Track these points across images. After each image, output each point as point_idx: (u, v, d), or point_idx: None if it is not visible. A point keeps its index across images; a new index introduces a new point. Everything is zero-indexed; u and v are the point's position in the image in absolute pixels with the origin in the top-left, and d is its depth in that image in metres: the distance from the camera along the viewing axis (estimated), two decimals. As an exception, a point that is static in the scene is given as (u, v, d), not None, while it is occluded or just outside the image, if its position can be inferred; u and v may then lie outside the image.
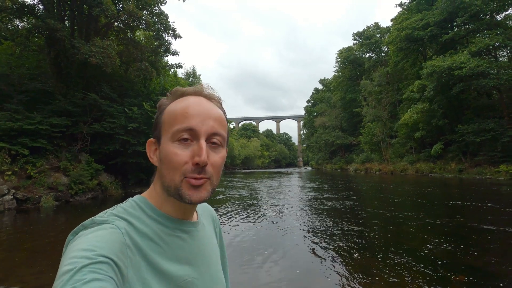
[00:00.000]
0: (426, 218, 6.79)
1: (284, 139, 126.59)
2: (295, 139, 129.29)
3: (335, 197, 11.13)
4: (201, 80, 44.87)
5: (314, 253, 4.54)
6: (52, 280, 0.43)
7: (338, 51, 50.28)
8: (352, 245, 4.89)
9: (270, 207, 8.98)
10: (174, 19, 18.21)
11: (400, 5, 32.49)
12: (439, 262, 3.95)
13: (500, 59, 23.38)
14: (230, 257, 4.38)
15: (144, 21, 13.72)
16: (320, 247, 4.84)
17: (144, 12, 13.90)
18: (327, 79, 64.18)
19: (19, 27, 12.76)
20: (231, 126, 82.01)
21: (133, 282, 0.50)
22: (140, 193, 0.63)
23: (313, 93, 72.20)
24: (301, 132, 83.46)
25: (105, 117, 12.74)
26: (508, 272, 3.60)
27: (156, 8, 14.87)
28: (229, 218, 7.26)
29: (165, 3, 15.10)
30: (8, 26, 12.75)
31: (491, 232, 5.42)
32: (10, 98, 10.93)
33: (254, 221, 6.90)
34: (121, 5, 13.38)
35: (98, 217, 0.54)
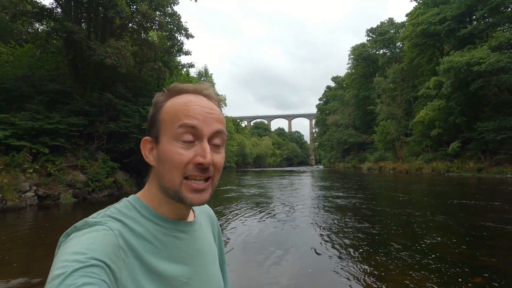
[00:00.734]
0: (442, 218, 6.63)
1: (296, 137, 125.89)
2: (307, 138, 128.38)
3: (348, 195, 11.00)
4: (213, 79, 45.19)
5: (326, 252, 4.52)
6: None
7: (351, 47, 49.55)
8: (365, 244, 4.84)
9: (281, 205, 8.98)
10: (186, 19, 18.38)
11: (416, -1, 31.61)
12: (456, 263, 3.86)
13: (523, 53, 22.38)
14: (240, 254, 4.43)
15: (157, 22, 13.94)
16: (333, 246, 4.81)
17: (157, 12, 14.11)
18: (340, 76, 63.35)
19: (39, 30, 13.24)
20: (243, 125, 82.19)
21: (127, 285, 0.48)
22: None
23: (325, 91, 71.46)
24: (313, 130, 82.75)
25: (120, 117, 13.05)
26: (529, 275, 3.48)
27: (169, 8, 15.05)
28: (240, 216, 7.32)
29: (178, 4, 15.27)
30: (29, 30, 13.26)
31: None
32: (31, 98, 11.36)
33: (265, 219, 6.93)
34: (135, 7, 13.63)
35: (90, 218, 0.53)
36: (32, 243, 5.35)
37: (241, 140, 58.72)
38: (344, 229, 5.86)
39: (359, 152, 48.30)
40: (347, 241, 5.05)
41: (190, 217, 0.68)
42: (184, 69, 20.83)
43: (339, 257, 4.25)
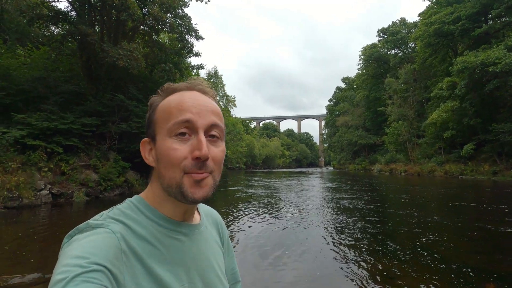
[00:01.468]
0: (455, 222, 6.48)
1: (305, 138, 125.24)
2: (316, 139, 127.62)
3: (357, 198, 10.88)
4: (222, 80, 45.40)
5: (335, 255, 4.49)
6: None
7: (362, 48, 48.96)
8: (376, 247, 4.78)
9: (289, 206, 8.96)
10: (196, 21, 18.55)
11: (429, -2, 31.03)
12: (469, 269, 3.77)
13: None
14: (246, 256, 4.44)
15: (168, 24, 14.16)
16: (342, 249, 4.77)
17: (168, 15, 14.32)
18: (350, 77, 62.68)
19: (54, 33, 13.65)
20: (252, 126, 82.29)
21: None
22: None
23: (335, 92, 70.84)
24: (323, 131, 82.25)
25: (132, 117, 13.29)
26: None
27: (180, 11, 15.25)
28: (248, 216, 7.33)
29: (188, 6, 15.47)
30: (45, 33, 13.68)
31: (528, 239, 5.08)
32: (47, 99, 11.70)
33: (273, 220, 6.93)
34: (146, 9, 13.88)
35: (93, 221, 0.52)
36: (47, 239, 5.51)
37: (250, 141, 58.83)
38: (354, 233, 5.80)
39: (369, 153, 47.63)
40: (356, 243, 5.00)
41: (195, 220, 0.66)
42: (194, 71, 21.04)
43: (349, 261, 4.21)
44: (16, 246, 4.90)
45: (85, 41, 11.73)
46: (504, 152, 20.73)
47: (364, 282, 3.44)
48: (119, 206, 0.58)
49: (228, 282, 0.76)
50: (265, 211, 8.19)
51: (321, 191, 14.09)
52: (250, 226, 6.30)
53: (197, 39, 16.30)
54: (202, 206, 0.75)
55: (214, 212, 0.80)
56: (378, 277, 3.55)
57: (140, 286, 0.49)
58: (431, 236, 5.43)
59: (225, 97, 46.39)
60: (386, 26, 45.46)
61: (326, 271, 3.84)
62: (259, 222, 6.71)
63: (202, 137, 0.54)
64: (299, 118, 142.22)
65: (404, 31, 42.19)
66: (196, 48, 22.43)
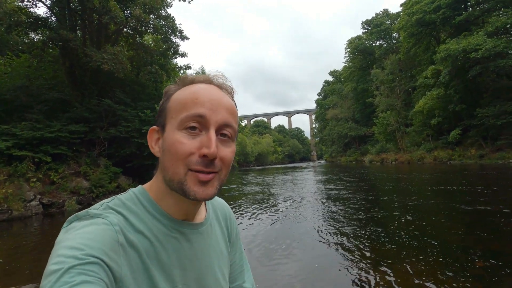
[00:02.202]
0: (445, 205, 6.66)
1: (297, 133, 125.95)
2: (307, 133, 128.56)
3: (349, 188, 11.04)
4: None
5: (331, 245, 4.57)
6: None
7: (347, 41, 49.45)
8: (369, 233, 4.88)
9: (285, 201, 9.03)
10: (180, 21, 18.39)
11: (410, -11, 31.49)
12: (460, 249, 3.90)
13: (519, 37, 22.30)
14: (246, 251, 4.47)
15: (151, 25, 13.98)
16: (339, 240, 4.85)
17: (151, 16, 14.14)
18: (337, 70, 63.26)
19: (34, 39, 13.29)
20: (243, 124, 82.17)
21: (127, 282, 0.47)
22: None
23: (323, 86, 71.42)
24: (313, 125, 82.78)
25: (120, 122, 13.11)
26: (531, 256, 3.51)
27: (163, 11, 15.08)
28: (244, 212, 7.37)
29: (171, 6, 15.31)
30: (24, 40, 13.31)
31: (514, 217, 5.27)
32: (31, 108, 11.42)
33: (269, 214, 6.97)
34: (128, 11, 13.67)
35: (93, 209, 0.51)
36: (41, 249, 5.41)
37: (242, 139, 58.78)
38: (350, 222, 5.90)
39: (360, 145, 48.32)
40: (353, 234, 5.09)
41: (200, 218, 0.64)
42: (181, 71, 20.86)
43: (345, 248, 4.29)
44: (10, 258, 4.80)
45: (67, 46, 11.48)
46: (489, 136, 21.35)
47: (360, 268, 3.52)
48: (121, 196, 0.56)
49: (235, 280, 0.75)
50: (260, 206, 8.23)
51: (314, 184, 14.23)
52: (245, 221, 6.33)
53: (182, 39, 16.17)
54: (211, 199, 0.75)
55: (224, 204, 0.78)
56: (373, 261, 3.64)
57: (138, 281, 0.48)
58: (422, 220, 5.57)
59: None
60: (370, 18, 45.97)
61: (323, 262, 3.91)
62: (254, 218, 6.74)
63: (213, 134, 0.51)
64: (289, 114, 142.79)
65: (387, 22, 42.78)
66: (181, 49, 22.24)
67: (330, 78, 67.97)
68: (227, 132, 0.55)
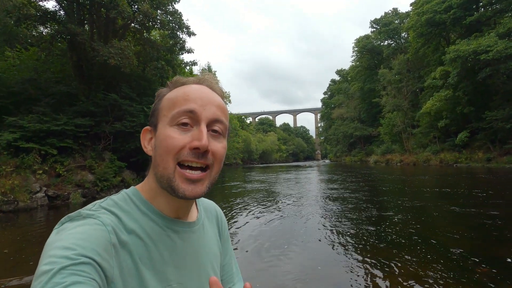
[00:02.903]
0: (449, 209, 6.58)
1: (302, 132, 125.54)
2: (312, 132, 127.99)
3: (354, 189, 10.97)
4: (216, 76, 45.21)
5: (335, 248, 4.54)
6: None
7: (355, 40, 48.90)
8: (372, 235, 4.84)
9: (288, 200, 9.01)
10: (187, 17, 18.36)
11: (420, -12, 31.01)
12: (463, 253, 3.84)
13: (532, 39, 21.81)
14: (245, 251, 4.47)
15: (159, 21, 13.99)
16: (342, 241, 4.83)
17: (159, 11, 14.15)
18: (344, 69, 62.74)
19: (43, 33, 13.41)
20: (248, 121, 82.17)
21: (118, 283, 0.46)
22: None
23: (330, 85, 70.93)
24: (319, 124, 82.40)
25: (126, 116, 13.19)
26: (537, 264, 3.45)
27: (170, 7, 15.08)
28: (246, 211, 7.37)
29: (179, 2, 15.28)
30: (33, 33, 13.44)
31: (520, 223, 5.18)
32: (38, 101, 11.55)
33: (271, 214, 6.96)
34: (136, 6, 13.69)
35: (85, 210, 0.51)
36: (45, 242, 5.49)
37: (247, 136, 58.80)
38: (353, 223, 5.87)
39: (365, 145, 47.96)
40: (356, 235, 5.05)
41: (192, 217, 0.65)
42: (187, 67, 20.89)
43: (348, 252, 4.26)
44: (15, 249, 4.87)
45: (75, 40, 11.56)
46: (497, 139, 20.99)
47: (358, 271, 3.49)
48: (113, 196, 0.57)
49: (226, 283, 0.75)
50: (263, 204, 8.23)
51: (318, 184, 14.18)
52: (246, 221, 6.33)
53: (189, 35, 16.16)
54: (201, 200, 0.73)
55: (215, 206, 0.78)
56: (375, 265, 3.61)
57: (127, 282, 0.48)
58: (425, 223, 5.51)
59: (219, 93, 46.12)
60: (378, 17, 45.38)
61: (326, 263, 3.88)
62: (256, 217, 6.74)
63: (204, 128, 0.53)
64: (294, 112, 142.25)
65: (396, 22, 42.20)
66: (188, 45, 22.19)
67: (337, 77, 67.46)
68: (218, 128, 0.56)
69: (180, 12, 15.40)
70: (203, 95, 0.56)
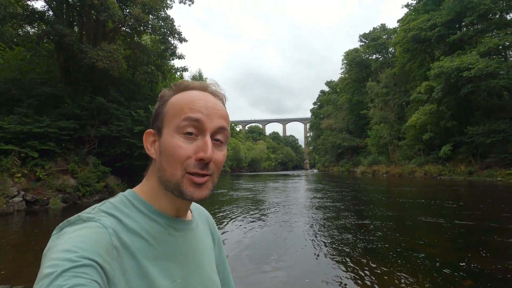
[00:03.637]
0: (434, 221, 6.67)
1: (291, 141, 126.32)
2: (301, 142, 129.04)
3: (341, 200, 11.02)
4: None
5: (322, 257, 4.50)
6: None
7: (345, 52, 50.08)
8: (359, 247, 4.83)
9: (276, 210, 8.94)
10: (179, 23, 18.42)
11: (407, 6, 32.30)
12: (448, 266, 3.87)
13: (510, 59, 22.93)
14: (235, 261, 4.37)
15: (150, 26, 13.93)
16: (330, 253, 4.79)
17: (150, 16, 14.10)
18: (334, 81, 63.95)
19: (30, 33, 13.09)
20: (237, 129, 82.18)
21: (120, 285, 0.47)
22: None
23: (319, 95, 72.04)
24: (308, 134, 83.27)
25: (112, 120, 12.92)
26: (518, 276, 3.50)
27: (162, 12, 15.07)
28: (234, 220, 7.25)
29: (171, 8, 15.31)
30: (19, 32, 13.10)
31: (504, 236, 5.29)
32: (21, 102, 11.18)
33: (259, 223, 6.88)
34: (127, 10, 13.61)
35: (84, 214, 0.51)
36: (20, 249, 5.21)
37: (236, 144, 58.65)
38: (340, 234, 5.85)
39: (353, 156, 48.61)
40: (343, 247, 5.03)
41: (188, 217, 0.66)
42: (178, 73, 20.79)
43: (337, 264, 4.23)
44: (-16, 257, 4.59)
45: (63, 41, 11.33)
46: (478, 153, 21.70)
47: (350, 283, 3.45)
48: (111, 199, 0.57)
49: (221, 280, 0.77)
50: (250, 214, 8.13)
51: (305, 193, 14.18)
52: (235, 229, 6.23)
53: (180, 41, 16.16)
54: (193, 204, 0.74)
55: (205, 211, 0.80)
56: (361, 276, 3.58)
57: (130, 283, 0.48)
58: (411, 235, 5.56)
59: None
60: (367, 31, 46.78)
61: (314, 276, 3.83)
62: (244, 225, 6.64)
63: (209, 139, 0.55)
64: (284, 121, 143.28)
65: (384, 37, 43.55)
66: (179, 50, 22.23)
67: (326, 88, 68.67)
68: (220, 137, 0.58)
69: (172, 18, 15.42)
70: (208, 104, 0.57)
